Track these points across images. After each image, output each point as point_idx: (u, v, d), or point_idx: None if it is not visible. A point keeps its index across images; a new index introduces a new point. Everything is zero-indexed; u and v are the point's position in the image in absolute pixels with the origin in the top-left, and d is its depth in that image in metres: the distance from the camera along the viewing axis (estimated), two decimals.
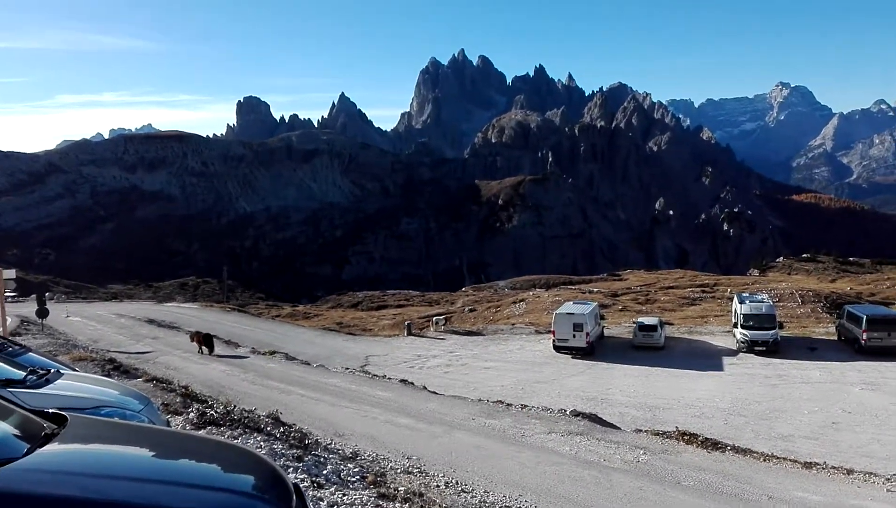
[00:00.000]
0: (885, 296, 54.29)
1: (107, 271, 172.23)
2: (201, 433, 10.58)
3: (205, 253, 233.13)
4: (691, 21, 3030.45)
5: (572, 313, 35.45)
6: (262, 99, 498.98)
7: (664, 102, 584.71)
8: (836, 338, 36.47)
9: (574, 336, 34.64)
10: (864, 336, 31.95)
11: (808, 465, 14.97)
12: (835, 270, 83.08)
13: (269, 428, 12.31)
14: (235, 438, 10.86)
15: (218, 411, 12.91)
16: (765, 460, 15.30)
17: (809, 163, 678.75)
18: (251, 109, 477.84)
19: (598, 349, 36.05)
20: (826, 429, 21.41)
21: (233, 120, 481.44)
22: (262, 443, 10.79)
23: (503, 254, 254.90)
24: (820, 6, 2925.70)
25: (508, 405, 20.24)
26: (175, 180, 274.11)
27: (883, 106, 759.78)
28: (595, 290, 65.39)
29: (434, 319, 50.64)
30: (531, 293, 67.72)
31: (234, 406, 14.42)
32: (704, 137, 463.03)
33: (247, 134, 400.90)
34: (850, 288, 60.09)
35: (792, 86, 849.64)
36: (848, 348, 33.89)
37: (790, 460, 15.55)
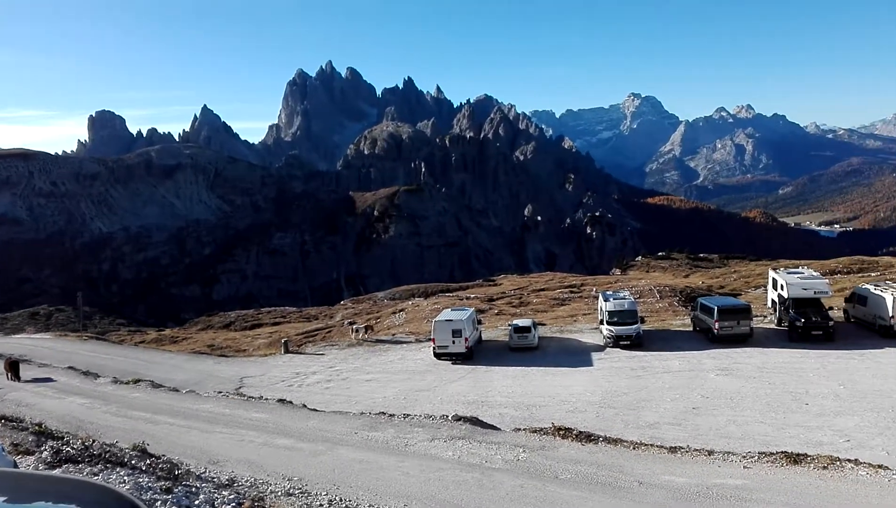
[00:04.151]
0: (732, 288, 59.53)
1: None
2: (56, 472, 9.69)
3: (58, 279, 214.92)
4: (550, 34, 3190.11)
5: (451, 320, 35.90)
6: (117, 113, 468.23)
7: (528, 113, 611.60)
8: (691, 329, 39.21)
9: (454, 342, 35.08)
10: (717, 326, 34.40)
11: (673, 450, 15.97)
12: (688, 266, 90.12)
13: (133, 461, 11.47)
14: (95, 474, 10.03)
15: (75, 447, 11.87)
16: (634, 448, 16.17)
17: (661, 168, 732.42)
18: (105, 124, 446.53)
19: (477, 353, 36.68)
20: (687, 414, 22.95)
21: (85, 136, 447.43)
22: (125, 478, 10.03)
23: (381, 265, 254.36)
24: (662, 20, 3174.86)
25: (391, 415, 20.14)
26: (21, 202, 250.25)
27: (723, 113, 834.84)
28: (472, 296, 66.76)
29: (354, 327, 49.10)
30: (410, 303, 68.05)
31: (94, 441, 13.33)
32: (566, 146, 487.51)
33: (101, 151, 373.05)
34: (702, 282, 65.37)
35: (643, 96, 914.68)
36: (702, 337, 36.47)
37: (657, 446, 16.54)
